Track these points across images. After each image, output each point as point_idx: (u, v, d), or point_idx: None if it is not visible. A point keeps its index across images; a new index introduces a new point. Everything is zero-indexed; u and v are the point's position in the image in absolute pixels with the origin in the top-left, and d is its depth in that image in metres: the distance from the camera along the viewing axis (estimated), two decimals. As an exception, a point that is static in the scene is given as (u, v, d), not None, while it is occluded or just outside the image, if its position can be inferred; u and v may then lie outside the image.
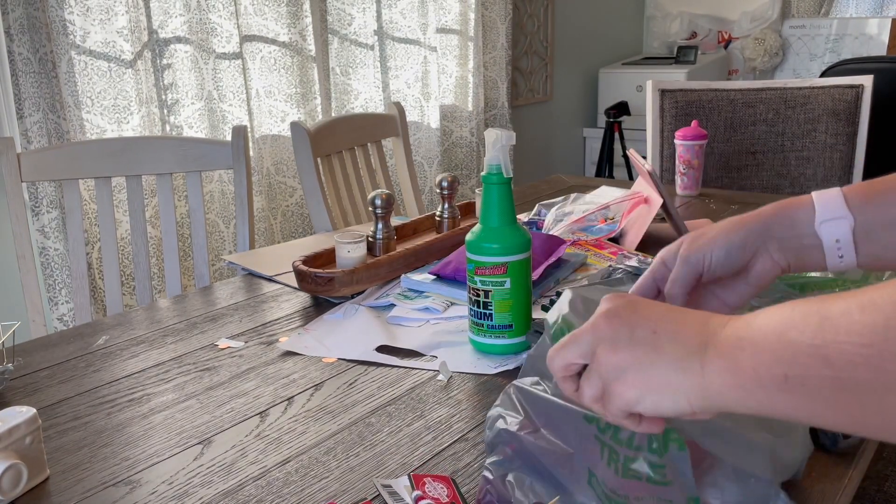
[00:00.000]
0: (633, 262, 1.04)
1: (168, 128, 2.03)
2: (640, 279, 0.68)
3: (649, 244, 1.27)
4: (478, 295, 0.94)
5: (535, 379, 0.65)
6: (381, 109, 2.55)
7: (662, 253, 0.67)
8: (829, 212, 0.63)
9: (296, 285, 1.19)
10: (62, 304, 1.81)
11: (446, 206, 1.40)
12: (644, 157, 1.55)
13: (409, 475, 0.69)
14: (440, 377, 0.91)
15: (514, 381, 0.67)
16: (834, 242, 0.63)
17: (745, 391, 0.45)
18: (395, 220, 1.41)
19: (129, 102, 1.90)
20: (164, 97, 2.01)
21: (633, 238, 1.30)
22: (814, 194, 0.64)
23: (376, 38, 2.54)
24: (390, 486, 0.68)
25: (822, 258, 0.64)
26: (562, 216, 1.42)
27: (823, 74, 2.56)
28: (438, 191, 1.40)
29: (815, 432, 0.69)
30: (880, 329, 0.39)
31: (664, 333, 0.49)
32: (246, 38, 2.17)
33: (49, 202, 1.77)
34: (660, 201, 1.27)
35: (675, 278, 0.65)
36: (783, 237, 0.64)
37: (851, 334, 0.40)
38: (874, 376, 0.39)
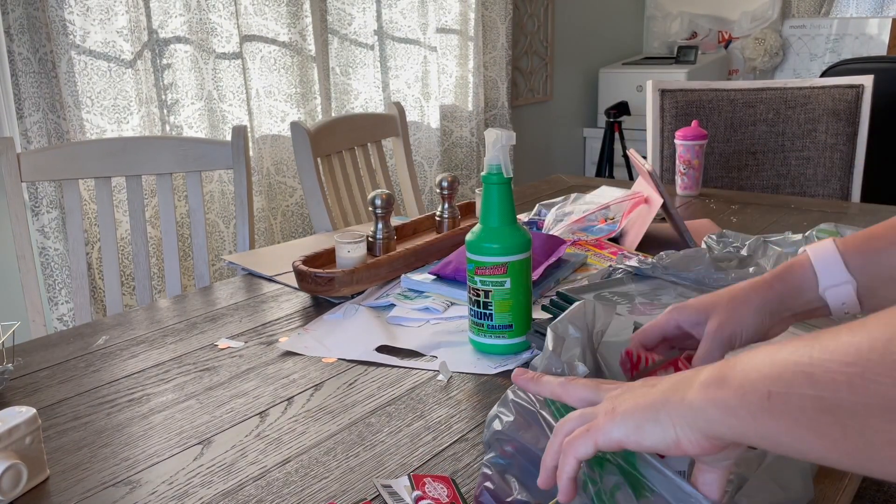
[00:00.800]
0: (633, 262, 1.04)
1: (168, 128, 2.03)
2: (647, 329, 0.70)
3: (649, 244, 1.27)
4: (478, 295, 0.94)
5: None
6: (381, 109, 2.54)
7: (677, 315, 0.69)
8: (831, 277, 0.66)
9: (296, 285, 1.19)
10: (62, 304, 1.81)
11: (446, 206, 1.40)
12: (644, 157, 1.55)
13: (409, 475, 0.69)
14: (440, 377, 0.91)
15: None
16: (840, 305, 0.66)
17: (728, 409, 0.44)
18: (395, 220, 1.41)
19: (129, 102, 1.90)
20: (163, 97, 2.01)
21: (633, 238, 1.30)
22: (811, 255, 0.67)
23: (376, 37, 2.54)
24: (390, 487, 0.68)
25: (829, 314, 0.68)
26: (562, 216, 1.42)
27: (824, 74, 2.55)
28: (438, 191, 1.40)
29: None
30: (864, 349, 0.38)
31: (662, 381, 0.51)
32: (246, 38, 2.17)
33: (49, 202, 1.77)
34: (660, 201, 1.27)
35: (704, 355, 0.67)
36: (794, 305, 0.68)
37: (836, 353, 0.39)
38: (856, 397, 0.38)
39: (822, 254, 0.67)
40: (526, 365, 0.91)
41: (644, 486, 0.53)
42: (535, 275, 1.10)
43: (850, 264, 0.65)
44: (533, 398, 0.64)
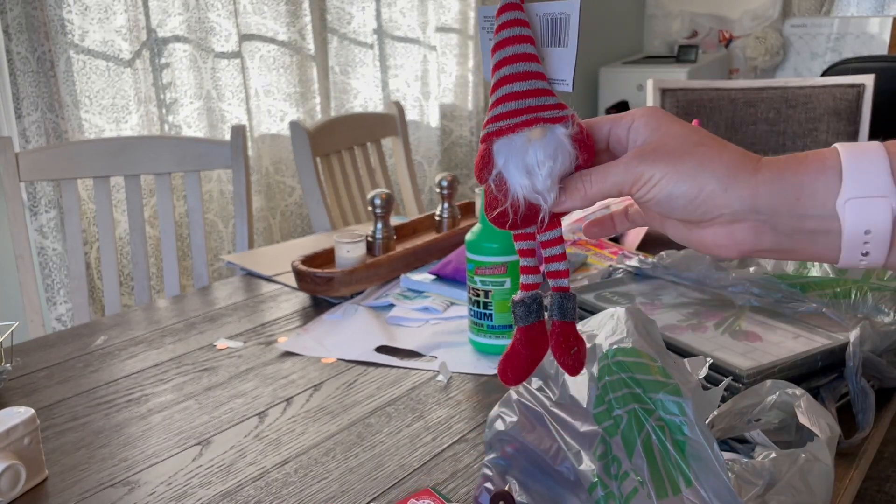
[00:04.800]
0: (634, 262, 1.03)
1: (167, 127, 2.03)
2: (603, 119, 0.52)
3: (649, 244, 1.27)
4: (478, 295, 0.94)
5: (540, 384, 0.65)
6: (380, 109, 2.54)
7: (641, 116, 0.50)
8: (863, 184, 0.44)
9: (295, 285, 1.18)
10: (60, 304, 1.81)
11: (446, 205, 1.39)
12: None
13: None
14: (440, 378, 0.91)
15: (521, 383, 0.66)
16: (861, 233, 0.44)
17: None
18: (395, 220, 1.41)
19: (128, 102, 1.89)
20: (162, 96, 2.00)
21: (634, 238, 1.29)
22: (842, 152, 0.45)
23: (376, 36, 2.53)
24: None
25: (829, 249, 0.46)
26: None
27: (825, 73, 2.55)
28: (438, 190, 1.39)
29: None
30: None
31: None
32: (245, 37, 2.16)
33: (47, 202, 1.77)
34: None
35: (599, 175, 0.48)
36: (781, 208, 0.45)
37: None
38: None
39: (857, 150, 0.44)
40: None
41: (675, 481, 0.53)
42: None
43: None
44: (538, 397, 0.64)
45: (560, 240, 0.51)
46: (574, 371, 0.51)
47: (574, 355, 0.51)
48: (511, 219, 0.48)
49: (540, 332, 0.51)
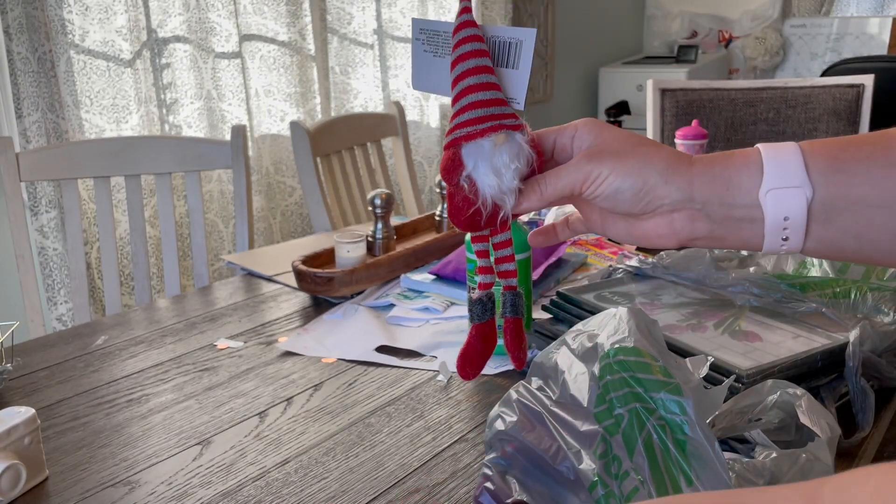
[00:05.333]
0: (634, 262, 1.03)
1: (167, 127, 2.03)
2: (548, 131, 0.55)
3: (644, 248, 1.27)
4: (478, 295, 0.94)
5: (540, 383, 0.65)
6: (380, 109, 2.54)
7: (583, 127, 0.54)
8: (781, 177, 0.49)
9: (295, 285, 1.18)
10: (61, 304, 1.81)
11: (446, 205, 1.39)
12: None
13: None
14: (440, 377, 0.91)
15: (521, 382, 0.66)
16: (781, 220, 0.49)
17: None
18: (395, 220, 1.41)
19: (128, 102, 1.89)
20: (163, 96, 2.01)
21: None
22: (762, 149, 0.50)
23: (376, 37, 2.53)
24: None
25: (754, 236, 0.51)
26: (562, 216, 1.42)
27: (824, 74, 2.55)
28: (438, 190, 1.39)
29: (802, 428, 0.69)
30: None
31: None
32: (245, 38, 2.16)
33: (48, 202, 1.77)
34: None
35: (552, 177, 0.52)
36: (712, 198, 0.50)
37: None
38: None
39: (776, 149, 0.50)
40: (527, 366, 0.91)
41: (676, 480, 0.53)
42: (535, 275, 1.09)
43: (812, 168, 0.49)
44: (538, 397, 0.64)
45: (509, 243, 0.55)
46: (522, 363, 0.57)
47: (524, 349, 0.57)
48: (477, 219, 0.52)
49: (492, 329, 0.56)
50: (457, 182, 0.51)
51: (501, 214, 0.52)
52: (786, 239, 0.50)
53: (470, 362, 0.55)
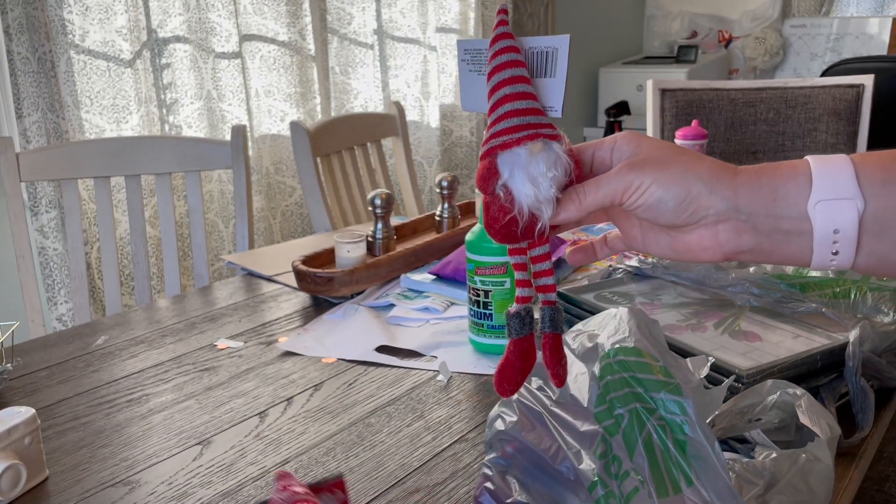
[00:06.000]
0: (634, 262, 1.04)
1: (167, 127, 2.03)
2: (587, 145, 0.54)
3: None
4: (478, 295, 0.94)
5: (540, 383, 0.65)
6: (380, 109, 2.54)
7: (622, 139, 0.53)
8: (831, 188, 0.47)
9: (295, 285, 1.18)
10: (61, 304, 1.81)
11: (446, 205, 1.39)
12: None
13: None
14: (440, 377, 0.91)
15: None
16: (831, 233, 0.47)
17: None
18: (395, 220, 1.41)
19: (129, 102, 1.89)
20: (163, 97, 2.01)
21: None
22: (811, 161, 0.49)
23: (376, 37, 2.53)
24: None
25: (802, 250, 0.49)
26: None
27: (824, 74, 2.55)
28: (438, 190, 1.40)
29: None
30: None
31: None
32: (245, 38, 2.16)
33: (48, 202, 1.77)
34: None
35: (594, 185, 0.51)
36: (758, 209, 0.49)
37: None
38: None
39: (826, 160, 0.48)
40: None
41: (676, 480, 0.53)
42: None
43: (864, 179, 0.47)
44: (538, 397, 0.64)
45: (548, 256, 0.53)
46: (562, 381, 0.54)
47: (563, 366, 0.54)
48: (514, 230, 0.50)
49: (531, 344, 0.54)
50: (493, 191, 0.50)
51: (539, 226, 0.51)
52: (836, 253, 0.48)
53: (508, 379, 0.53)
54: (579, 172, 0.52)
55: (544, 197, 0.50)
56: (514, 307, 0.54)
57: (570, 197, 0.51)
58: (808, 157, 0.49)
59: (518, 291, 0.54)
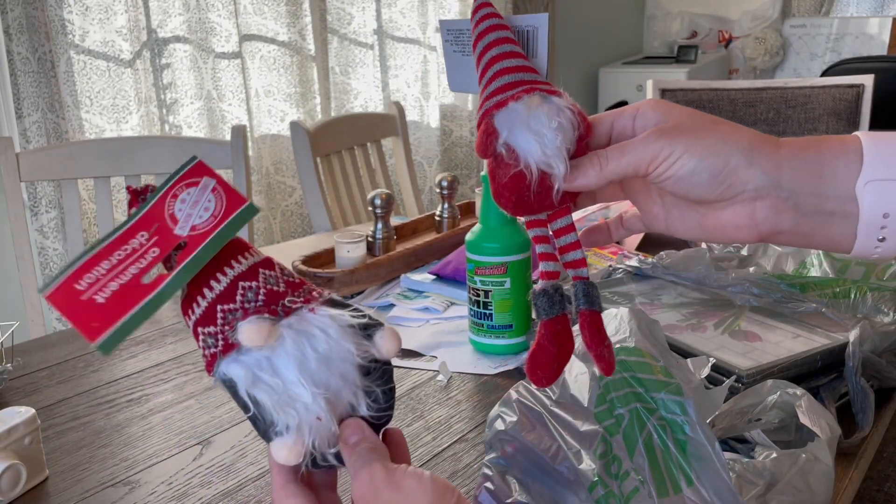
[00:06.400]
0: (634, 262, 1.04)
1: (167, 127, 2.03)
2: (605, 115, 0.49)
3: (649, 244, 1.27)
4: (478, 295, 0.94)
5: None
6: (380, 109, 2.54)
7: (646, 106, 0.48)
8: (884, 168, 0.42)
9: (295, 285, 1.18)
10: (61, 303, 1.80)
11: (446, 205, 1.39)
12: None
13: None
14: (440, 377, 0.91)
15: (521, 382, 0.66)
16: (879, 216, 0.43)
17: None
18: (395, 220, 1.41)
19: (128, 102, 1.89)
20: (163, 97, 2.01)
21: (633, 238, 1.29)
22: (862, 137, 0.44)
23: (376, 37, 2.53)
24: None
25: (845, 235, 0.44)
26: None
27: (824, 74, 2.55)
28: (438, 190, 1.39)
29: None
30: None
31: None
32: (245, 38, 2.16)
33: (48, 202, 1.77)
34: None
35: (619, 150, 0.46)
36: (795, 189, 0.44)
37: None
38: None
39: (879, 137, 0.44)
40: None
41: (676, 480, 0.53)
42: (536, 275, 1.09)
43: None
44: (538, 397, 0.64)
45: (572, 227, 0.48)
46: (610, 367, 0.47)
47: (609, 347, 0.47)
48: (525, 194, 0.45)
49: (565, 327, 0.47)
50: (494, 152, 0.46)
51: (555, 189, 0.45)
52: (882, 240, 0.43)
53: (542, 366, 0.47)
54: (587, 130, 0.46)
55: (551, 149, 0.44)
56: (539, 284, 0.48)
57: (590, 161, 0.45)
58: (859, 133, 0.45)
59: (542, 266, 0.48)
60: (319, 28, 2.39)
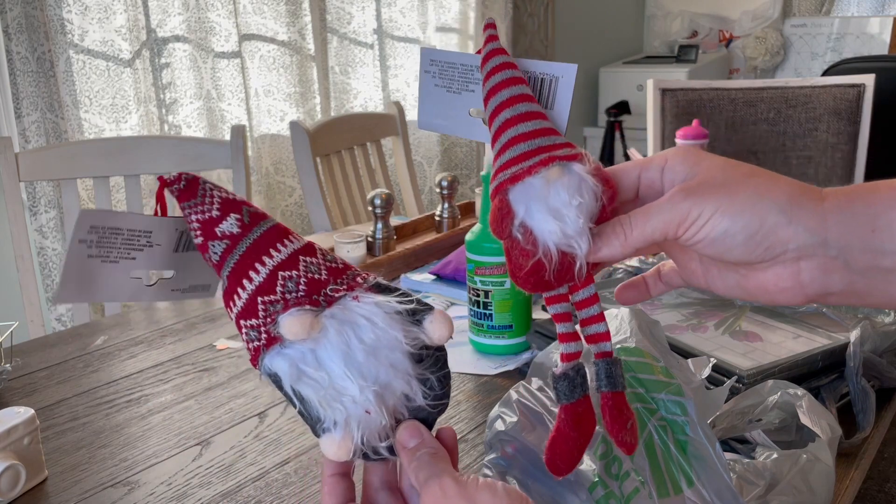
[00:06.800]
0: (634, 262, 1.03)
1: (166, 127, 2.02)
2: (631, 164, 0.46)
3: (650, 244, 1.26)
4: (478, 295, 0.94)
5: (540, 384, 0.65)
6: (380, 109, 2.54)
7: (673, 156, 0.44)
8: None
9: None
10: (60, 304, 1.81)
11: (446, 205, 1.39)
12: (645, 157, 1.54)
13: None
14: (440, 377, 0.91)
15: (521, 383, 0.66)
16: None
17: None
18: (395, 220, 1.41)
19: (128, 102, 1.89)
20: (162, 96, 2.00)
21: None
22: None
23: (376, 36, 2.53)
24: None
25: None
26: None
27: (825, 73, 2.55)
28: (438, 190, 1.39)
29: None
30: None
31: None
32: (245, 37, 2.16)
33: (47, 202, 1.77)
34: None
35: (641, 216, 0.42)
36: (846, 245, 0.40)
37: None
38: None
39: None
40: (527, 366, 0.91)
41: (677, 481, 0.53)
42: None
43: None
44: (538, 397, 0.64)
45: (596, 298, 0.45)
46: (632, 448, 0.45)
47: (630, 429, 0.45)
48: (545, 276, 0.42)
49: (586, 408, 0.45)
50: (510, 234, 0.42)
51: (577, 266, 0.42)
52: None
53: (561, 455, 0.44)
54: (612, 194, 0.43)
55: (573, 230, 0.41)
56: (559, 367, 0.45)
57: (613, 230, 0.42)
58: None
59: (562, 348, 0.45)
60: (319, 27, 2.39)
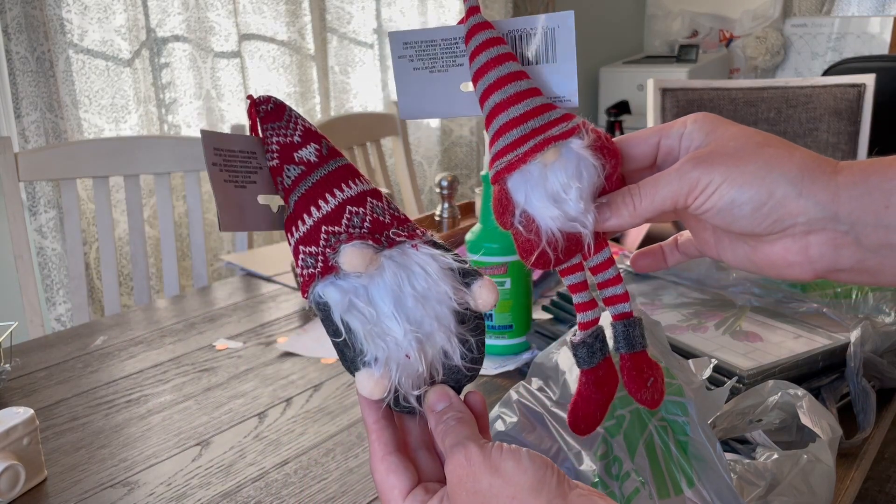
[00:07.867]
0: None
1: (166, 127, 2.02)
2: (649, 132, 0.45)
3: (649, 244, 1.26)
4: (478, 295, 0.94)
5: (540, 384, 0.65)
6: (380, 108, 2.54)
7: (693, 122, 0.44)
8: None
9: (295, 285, 1.18)
10: (60, 304, 1.80)
11: (446, 205, 1.39)
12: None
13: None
14: (440, 378, 0.91)
15: (521, 383, 0.66)
16: None
17: None
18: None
19: (127, 101, 1.89)
20: (162, 96, 2.00)
21: (634, 238, 1.29)
22: None
23: (375, 36, 2.53)
24: None
25: None
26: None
27: (825, 73, 2.55)
28: (438, 190, 1.39)
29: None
30: None
31: None
32: (244, 37, 2.16)
33: (47, 202, 1.77)
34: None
35: (651, 184, 0.43)
36: (858, 221, 0.39)
37: None
38: None
39: None
40: (527, 366, 0.91)
41: (677, 481, 0.53)
42: (536, 275, 1.09)
43: None
44: (539, 398, 0.64)
45: (611, 261, 0.45)
46: (654, 404, 0.46)
47: (651, 387, 0.45)
48: (553, 257, 0.43)
49: (607, 370, 0.46)
50: (512, 223, 0.43)
51: (585, 242, 0.43)
52: None
53: (584, 417, 0.45)
54: (615, 162, 0.43)
55: (575, 213, 0.41)
56: (577, 335, 0.46)
57: (623, 200, 0.42)
58: None
59: (579, 317, 0.46)
60: (319, 27, 2.38)
